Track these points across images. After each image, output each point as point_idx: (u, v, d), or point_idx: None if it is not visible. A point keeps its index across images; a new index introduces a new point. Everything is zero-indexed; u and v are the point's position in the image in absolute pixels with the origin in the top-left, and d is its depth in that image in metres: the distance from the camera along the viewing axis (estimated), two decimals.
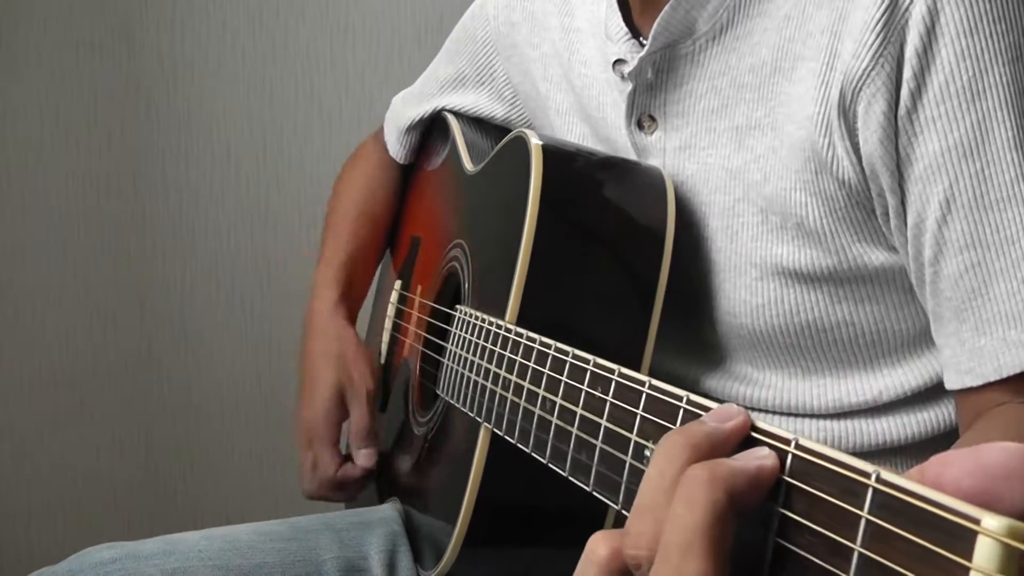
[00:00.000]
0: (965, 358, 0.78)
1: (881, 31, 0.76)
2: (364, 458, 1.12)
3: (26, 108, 2.03)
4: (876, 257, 0.84)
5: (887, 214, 0.81)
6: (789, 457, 0.41)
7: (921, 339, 0.88)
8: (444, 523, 0.93)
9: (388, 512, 1.07)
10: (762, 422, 0.45)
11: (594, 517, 0.91)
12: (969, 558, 0.30)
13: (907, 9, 0.75)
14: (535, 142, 0.91)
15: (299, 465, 1.16)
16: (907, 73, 0.76)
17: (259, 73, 2.08)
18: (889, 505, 0.35)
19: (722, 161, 0.89)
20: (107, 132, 2.06)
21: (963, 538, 0.31)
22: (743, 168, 0.88)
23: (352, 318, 1.22)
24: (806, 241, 0.85)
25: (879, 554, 0.35)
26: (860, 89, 0.77)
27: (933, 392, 0.89)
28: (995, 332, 0.76)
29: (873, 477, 0.36)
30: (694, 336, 0.96)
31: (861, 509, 0.36)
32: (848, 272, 0.85)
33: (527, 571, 0.96)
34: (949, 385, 0.81)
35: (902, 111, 0.76)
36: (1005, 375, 0.76)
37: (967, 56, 0.74)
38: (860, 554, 0.35)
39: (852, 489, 0.37)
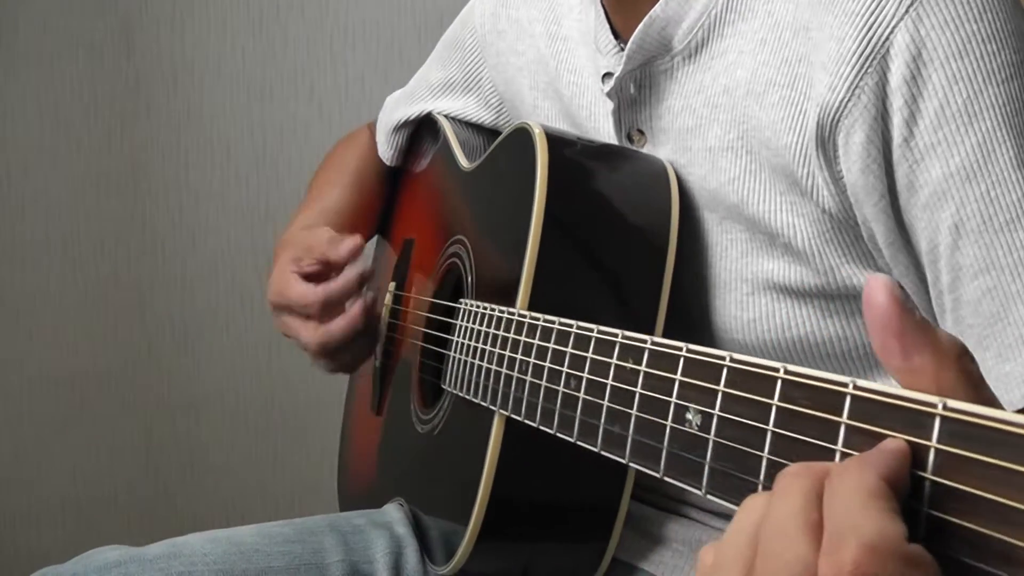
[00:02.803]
0: (992, 386, 0.76)
1: (857, 62, 0.74)
2: (349, 243, 1.08)
3: (26, 108, 2.03)
4: (865, 278, 0.83)
5: (874, 240, 0.80)
6: (848, 400, 0.42)
7: None
8: (457, 517, 0.92)
9: (393, 514, 1.06)
10: (805, 369, 0.45)
11: (609, 505, 0.91)
12: None
13: (886, 39, 0.74)
14: (539, 131, 0.92)
15: (296, 339, 1.12)
16: (896, 102, 0.74)
17: (259, 73, 2.08)
18: (962, 432, 0.35)
19: (700, 181, 0.89)
20: (107, 132, 2.06)
21: None
22: (719, 190, 0.87)
23: None
24: (795, 259, 0.84)
25: (953, 480, 0.35)
26: (838, 121, 0.76)
27: None
28: (1018, 357, 0.73)
29: (940, 406, 0.36)
30: None
31: (929, 439, 0.36)
32: (838, 290, 0.84)
33: (537, 563, 0.96)
34: None
35: (898, 140, 0.75)
36: None
37: (959, 79, 0.73)
38: (932, 482, 0.36)
39: (919, 421, 0.37)
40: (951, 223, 0.75)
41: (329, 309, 1.09)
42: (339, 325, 1.08)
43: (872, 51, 0.74)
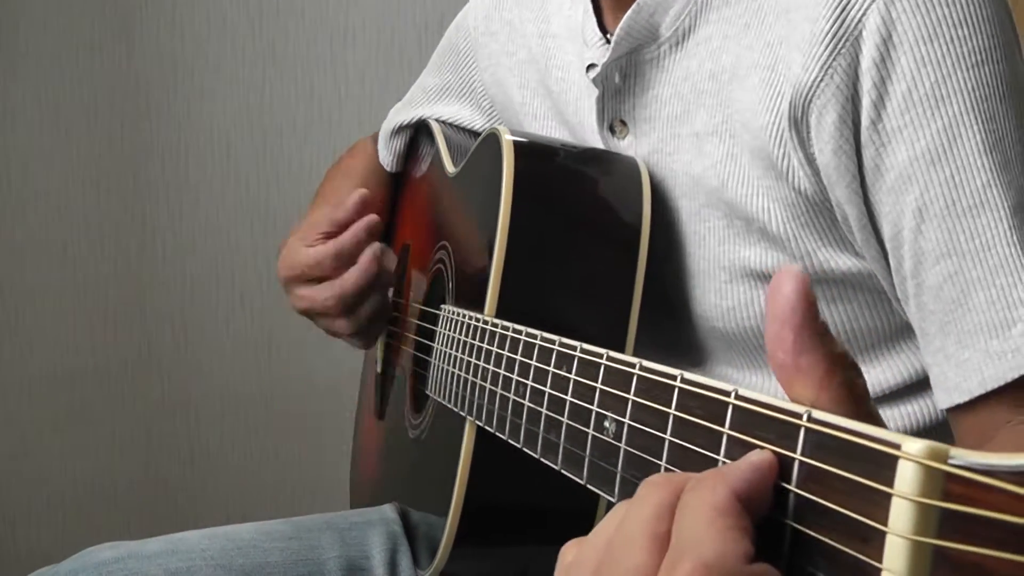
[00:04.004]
0: (952, 373, 0.75)
1: (829, 43, 0.74)
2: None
3: (26, 108, 2.03)
4: (843, 262, 0.82)
5: (848, 223, 0.79)
6: (729, 410, 0.41)
7: (897, 336, 0.86)
8: (437, 521, 0.93)
9: (388, 513, 1.07)
10: (700, 377, 0.44)
11: (584, 512, 0.90)
12: (891, 484, 0.29)
13: (859, 21, 0.74)
14: (507, 137, 0.92)
15: (312, 306, 1.11)
16: (866, 84, 0.74)
17: (259, 73, 2.08)
18: (823, 444, 0.34)
19: (685, 167, 0.89)
20: (107, 132, 2.06)
21: (887, 465, 0.30)
22: (703, 174, 0.87)
23: None
24: (771, 245, 0.84)
25: (814, 494, 0.34)
26: (810, 101, 0.76)
27: (915, 387, 0.87)
28: (977, 344, 0.73)
29: (805, 417, 0.35)
30: (675, 338, 0.95)
31: (795, 451, 0.35)
32: (815, 275, 0.83)
33: (522, 569, 0.95)
34: (940, 405, 0.77)
35: (866, 122, 0.75)
36: (989, 388, 0.72)
37: (928, 63, 0.72)
38: (796, 495, 0.35)
39: (787, 432, 0.36)
40: (915, 207, 0.74)
41: (341, 264, 1.09)
42: (352, 275, 1.08)
43: (845, 32, 0.74)
